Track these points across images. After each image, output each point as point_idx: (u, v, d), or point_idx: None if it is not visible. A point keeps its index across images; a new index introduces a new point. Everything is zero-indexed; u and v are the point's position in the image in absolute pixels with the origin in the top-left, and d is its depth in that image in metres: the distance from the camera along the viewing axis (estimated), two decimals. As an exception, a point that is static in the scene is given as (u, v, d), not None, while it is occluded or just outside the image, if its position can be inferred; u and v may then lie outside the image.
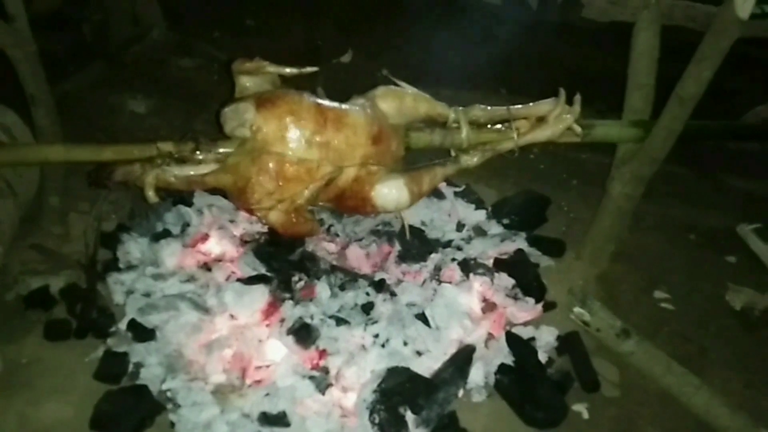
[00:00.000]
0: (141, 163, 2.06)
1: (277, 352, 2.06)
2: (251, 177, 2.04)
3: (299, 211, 2.14)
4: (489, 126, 2.30)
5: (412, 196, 2.17)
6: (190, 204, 2.53)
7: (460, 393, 2.02)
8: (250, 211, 2.18)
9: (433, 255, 2.42)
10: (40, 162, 2.32)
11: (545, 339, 2.21)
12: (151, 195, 2.04)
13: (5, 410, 1.90)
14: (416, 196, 2.19)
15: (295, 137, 2.02)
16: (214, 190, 2.52)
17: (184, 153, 2.07)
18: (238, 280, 2.24)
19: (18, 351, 2.06)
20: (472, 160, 2.25)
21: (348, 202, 2.21)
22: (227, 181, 2.09)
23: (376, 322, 2.13)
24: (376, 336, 2.09)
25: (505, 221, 2.65)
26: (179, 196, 2.57)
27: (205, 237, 2.41)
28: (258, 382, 2.00)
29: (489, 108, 2.28)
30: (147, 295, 2.20)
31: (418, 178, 2.19)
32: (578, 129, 2.23)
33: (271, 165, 2.03)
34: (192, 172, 2.08)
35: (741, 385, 2.19)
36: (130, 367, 2.01)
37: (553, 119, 2.21)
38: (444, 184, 2.76)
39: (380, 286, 2.27)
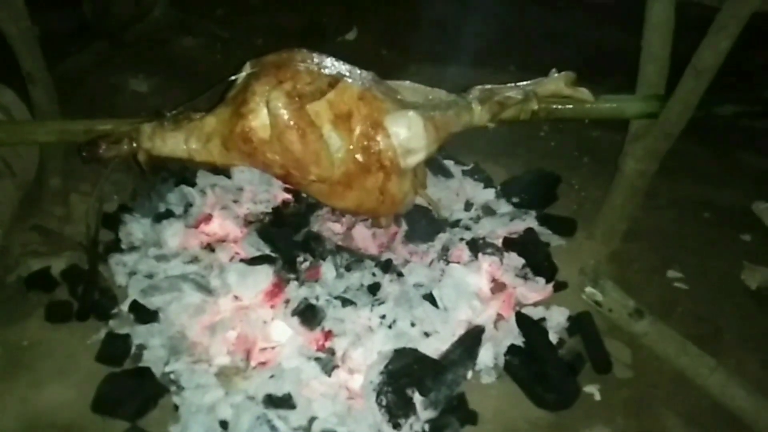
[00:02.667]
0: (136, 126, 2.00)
1: (282, 333, 2.02)
2: (250, 86, 1.88)
3: (302, 108, 1.87)
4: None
5: (425, 125, 1.95)
6: (193, 184, 2.50)
7: (469, 374, 1.99)
8: (251, 131, 1.89)
9: (440, 235, 2.37)
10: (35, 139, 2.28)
11: (556, 319, 2.17)
12: (147, 140, 1.96)
13: (7, 393, 1.88)
14: (430, 128, 1.98)
15: (297, 59, 1.93)
16: (216, 169, 2.49)
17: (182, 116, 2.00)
18: (242, 260, 2.20)
19: (19, 333, 2.05)
20: (481, 109, 2.11)
21: (361, 138, 1.94)
22: (226, 113, 1.93)
23: (382, 302, 2.09)
24: (383, 317, 2.05)
25: (515, 200, 2.60)
26: (182, 176, 2.54)
27: (208, 217, 2.37)
28: (263, 363, 1.97)
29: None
30: (149, 276, 2.17)
31: (428, 113, 2.00)
32: (586, 91, 2.16)
33: (271, 70, 1.89)
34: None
35: (757, 365, 2.14)
36: (133, 349, 1.99)
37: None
38: (452, 162, 2.71)
39: (387, 266, 2.23)
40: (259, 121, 1.86)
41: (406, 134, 1.93)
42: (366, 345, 1.96)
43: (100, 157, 1.98)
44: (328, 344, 2.00)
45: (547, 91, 2.13)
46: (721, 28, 1.89)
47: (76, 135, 2.10)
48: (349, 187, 1.97)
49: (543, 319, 2.16)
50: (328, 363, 1.94)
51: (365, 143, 1.92)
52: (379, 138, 1.92)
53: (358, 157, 1.93)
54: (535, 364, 2.00)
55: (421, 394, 1.84)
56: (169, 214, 2.38)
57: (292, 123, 1.83)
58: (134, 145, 1.98)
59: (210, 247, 2.29)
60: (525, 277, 2.27)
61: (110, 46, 3.55)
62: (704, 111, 2.13)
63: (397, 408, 1.80)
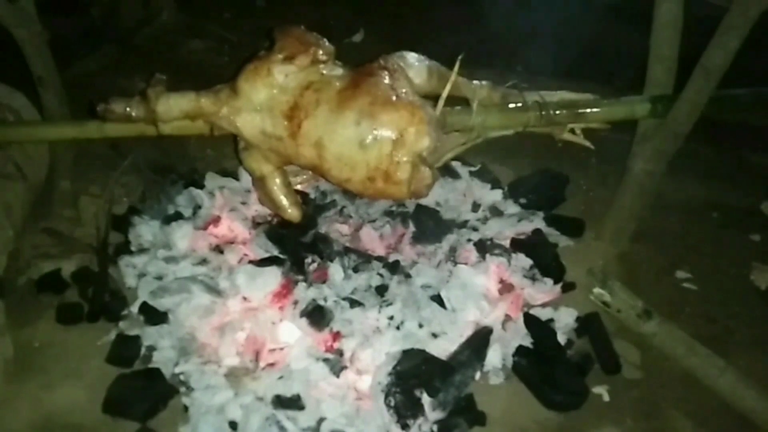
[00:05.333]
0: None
1: (291, 334, 2.03)
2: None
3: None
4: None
5: (428, 65, 2.18)
6: (201, 186, 2.51)
7: (478, 375, 1.99)
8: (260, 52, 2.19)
9: (448, 236, 2.37)
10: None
11: (564, 320, 2.16)
12: (161, 91, 2.11)
13: (18, 394, 1.89)
14: (424, 58, 2.21)
15: None
16: (225, 171, 2.49)
17: None
18: (251, 262, 2.21)
19: (30, 335, 2.05)
20: (481, 83, 2.25)
21: (359, 67, 2.16)
22: (225, 91, 2.15)
23: (390, 304, 2.09)
24: (391, 318, 2.06)
25: (522, 201, 2.60)
26: (191, 179, 2.55)
27: (216, 219, 2.38)
28: (272, 365, 1.97)
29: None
30: (159, 278, 2.18)
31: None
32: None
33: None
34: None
35: (767, 365, 2.12)
36: (143, 351, 2.00)
37: None
38: (459, 163, 2.71)
39: (394, 267, 2.23)
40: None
41: (400, 54, 2.18)
42: (374, 346, 1.96)
43: (109, 106, 2.10)
44: (336, 345, 2.01)
45: (553, 97, 2.15)
46: (730, 27, 1.89)
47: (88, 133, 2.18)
48: (357, 87, 2.04)
49: (551, 320, 2.16)
50: (336, 364, 1.94)
51: (364, 65, 2.13)
52: (374, 63, 2.12)
53: (360, 69, 2.12)
54: (544, 365, 2.00)
55: (429, 395, 1.84)
56: (178, 216, 2.39)
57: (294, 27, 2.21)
58: (147, 98, 2.10)
59: (219, 249, 2.30)
60: (533, 278, 2.26)
61: (119, 50, 3.57)
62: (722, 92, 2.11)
63: (405, 409, 1.80)
